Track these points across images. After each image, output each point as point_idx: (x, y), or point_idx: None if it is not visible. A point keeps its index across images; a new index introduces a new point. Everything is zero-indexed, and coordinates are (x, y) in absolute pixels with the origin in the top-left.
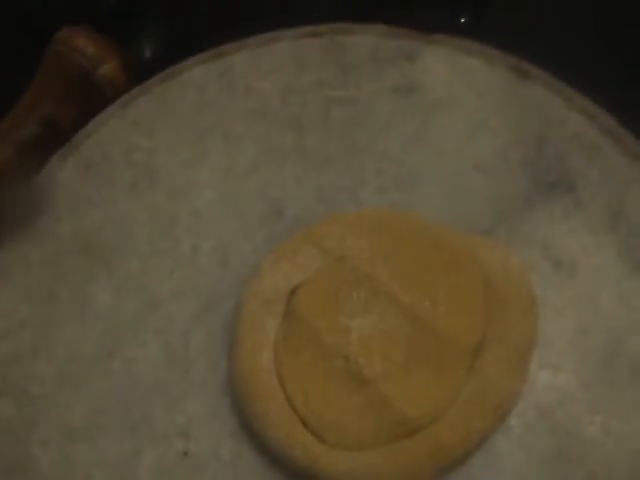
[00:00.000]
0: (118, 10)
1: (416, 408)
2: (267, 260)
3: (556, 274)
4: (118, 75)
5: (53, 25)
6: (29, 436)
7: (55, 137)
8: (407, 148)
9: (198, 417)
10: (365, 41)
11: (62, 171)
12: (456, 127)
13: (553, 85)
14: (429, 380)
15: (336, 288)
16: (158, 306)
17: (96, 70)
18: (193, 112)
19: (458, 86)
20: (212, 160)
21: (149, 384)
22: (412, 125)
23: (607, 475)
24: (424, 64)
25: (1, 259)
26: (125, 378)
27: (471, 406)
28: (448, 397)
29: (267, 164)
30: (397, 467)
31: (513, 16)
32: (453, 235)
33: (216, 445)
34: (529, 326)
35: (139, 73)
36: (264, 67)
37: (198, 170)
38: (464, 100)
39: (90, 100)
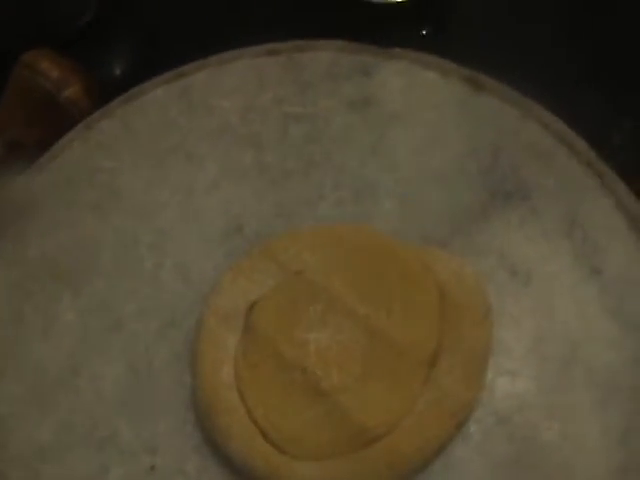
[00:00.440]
0: (87, 31)
1: (373, 418)
2: (226, 277)
3: (512, 282)
4: (82, 97)
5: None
6: None
7: (20, 159)
8: (364, 161)
9: (164, 432)
10: (322, 57)
11: (27, 193)
12: (412, 140)
13: (508, 95)
14: (386, 390)
15: (293, 302)
16: (122, 324)
17: (60, 93)
18: (155, 133)
19: (414, 99)
20: (174, 180)
21: (115, 401)
22: (369, 138)
23: (566, 479)
24: (380, 78)
25: None
26: (91, 395)
27: (428, 415)
28: (405, 407)
29: (228, 182)
30: (356, 476)
31: (474, 28)
32: (408, 247)
33: (182, 459)
34: (484, 334)
35: (107, 93)
36: (224, 86)
37: (160, 190)
38: (420, 113)
39: (55, 122)
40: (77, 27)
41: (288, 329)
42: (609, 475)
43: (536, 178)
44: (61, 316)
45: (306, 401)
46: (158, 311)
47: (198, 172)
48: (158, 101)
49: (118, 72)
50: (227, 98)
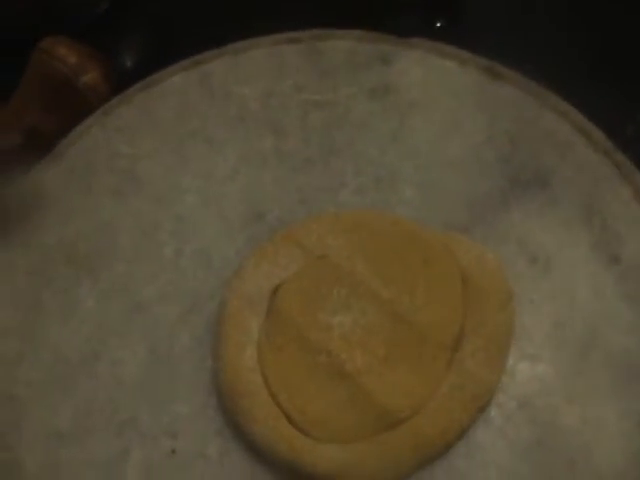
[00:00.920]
0: (100, 21)
1: (397, 401)
2: (249, 261)
3: (532, 269)
4: (100, 83)
5: (35, 36)
6: (16, 439)
7: (38, 146)
8: (384, 149)
9: (185, 416)
10: (342, 46)
11: (46, 179)
12: (431, 127)
13: (525, 85)
14: (409, 373)
15: (317, 286)
16: (143, 309)
17: (79, 79)
18: (174, 119)
19: (432, 87)
20: (194, 166)
21: (135, 385)
22: (389, 126)
23: (586, 462)
24: (399, 67)
25: None
26: (111, 380)
27: (451, 398)
28: (428, 390)
29: (248, 168)
30: (380, 459)
31: (487, 21)
32: (430, 232)
33: (203, 443)
34: (506, 319)
35: (119, 83)
36: (243, 73)
37: (180, 175)
38: (439, 101)
39: (73, 109)
40: (93, 16)
41: (312, 312)
42: (628, 458)
43: (554, 167)
44: (81, 301)
45: (330, 384)
46: (179, 296)
47: (218, 158)
48: (177, 88)
49: (133, 61)
50: (247, 85)
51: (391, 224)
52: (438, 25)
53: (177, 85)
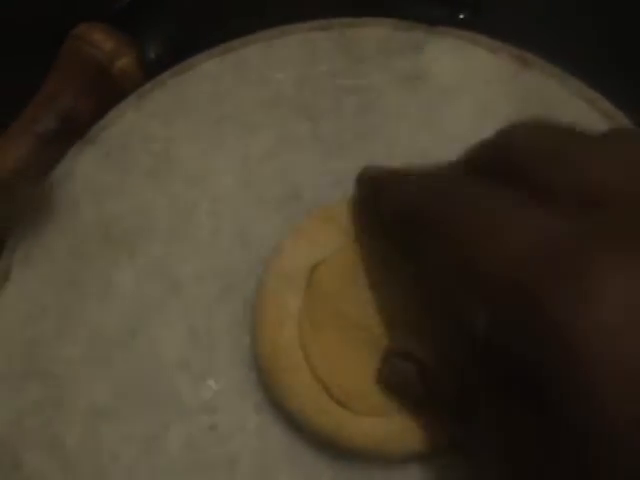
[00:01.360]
0: (126, 10)
1: None
2: (287, 240)
3: None
4: (135, 69)
5: (63, 24)
6: (55, 416)
7: (73, 131)
8: (416, 134)
9: (223, 392)
10: (374, 33)
11: (81, 162)
12: (463, 113)
13: (554, 73)
14: None
15: (356, 264)
16: (181, 288)
17: (113, 64)
18: (208, 102)
19: (464, 74)
20: (229, 148)
21: (174, 362)
22: (420, 112)
23: None
24: (432, 54)
25: (25, 249)
26: (149, 357)
27: None
28: None
29: (283, 150)
30: (420, 432)
31: (511, 12)
32: None
33: (242, 418)
34: None
35: (151, 70)
36: (277, 59)
37: (216, 157)
38: (470, 87)
39: (107, 94)
40: (120, 5)
41: (351, 289)
42: None
43: None
44: (118, 280)
45: (369, 358)
46: (216, 275)
47: (254, 140)
48: (211, 72)
49: (159, 50)
50: (281, 70)
51: None
52: (461, 17)
53: (211, 70)
